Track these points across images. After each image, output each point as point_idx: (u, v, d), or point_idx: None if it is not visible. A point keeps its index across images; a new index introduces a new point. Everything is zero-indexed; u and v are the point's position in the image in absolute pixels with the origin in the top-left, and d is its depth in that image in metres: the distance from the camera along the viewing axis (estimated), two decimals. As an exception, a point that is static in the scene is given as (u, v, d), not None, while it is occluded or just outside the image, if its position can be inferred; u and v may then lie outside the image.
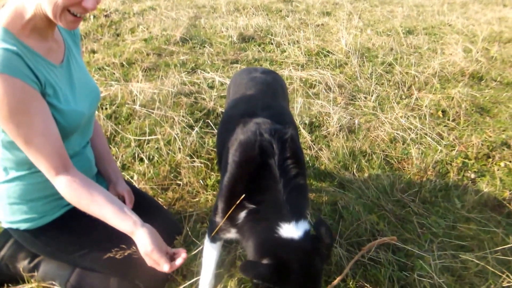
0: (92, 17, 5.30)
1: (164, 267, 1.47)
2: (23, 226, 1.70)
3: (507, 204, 2.58)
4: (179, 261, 1.50)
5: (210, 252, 1.79)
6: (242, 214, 1.54)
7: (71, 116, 1.57)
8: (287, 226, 1.42)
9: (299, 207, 1.51)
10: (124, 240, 1.65)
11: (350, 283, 1.97)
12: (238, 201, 1.51)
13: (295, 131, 1.92)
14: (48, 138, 1.45)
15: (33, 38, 1.46)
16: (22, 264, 1.87)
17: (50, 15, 1.38)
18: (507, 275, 2.01)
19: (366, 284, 1.98)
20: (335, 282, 1.91)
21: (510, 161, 2.99)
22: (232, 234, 1.66)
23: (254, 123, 1.70)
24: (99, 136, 2.03)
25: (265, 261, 1.39)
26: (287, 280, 1.35)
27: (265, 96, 2.07)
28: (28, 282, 1.85)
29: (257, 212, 1.51)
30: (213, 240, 1.75)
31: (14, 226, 1.71)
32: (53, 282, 1.83)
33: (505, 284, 2.00)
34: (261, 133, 1.61)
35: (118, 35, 5.02)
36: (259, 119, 1.73)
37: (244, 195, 1.50)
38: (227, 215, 1.56)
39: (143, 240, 1.48)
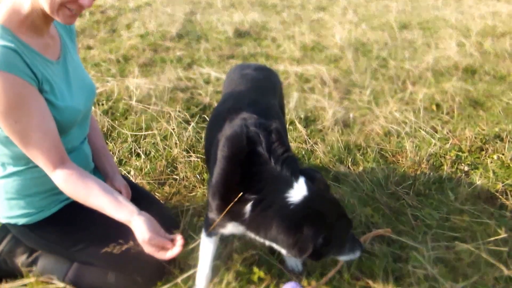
0: (88, 13, 5.29)
1: (162, 254, 1.48)
2: (21, 221, 1.71)
3: (500, 196, 2.61)
4: (176, 250, 1.49)
5: (207, 246, 1.81)
6: (247, 208, 1.53)
7: (67, 113, 1.58)
8: (293, 191, 1.49)
9: (293, 171, 1.54)
10: (121, 234, 1.67)
11: (345, 274, 1.99)
12: (236, 199, 1.50)
13: (282, 126, 1.94)
14: (46, 134, 1.47)
15: (29, 35, 1.47)
16: (20, 259, 1.88)
17: (48, 10, 1.39)
18: (499, 266, 2.05)
19: (360, 276, 2.01)
20: (331, 274, 1.93)
21: (503, 154, 3.03)
22: (230, 229, 1.67)
23: (240, 118, 1.71)
24: (95, 131, 2.04)
25: (303, 231, 1.44)
26: (326, 218, 1.48)
27: (254, 93, 2.07)
28: (27, 277, 1.86)
29: (262, 200, 1.51)
30: (210, 234, 1.77)
31: (12, 221, 1.72)
32: (51, 277, 1.84)
33: (497, 274, 2.03)
34: (247, 126, 1.62)
35: (114, 31, 5.02)
36: (245, 114, 1.74)
37: (241, 193, 1.50)
38: (224, 212, 1.56)
39: (140, 228, 1.49)
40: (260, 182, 1.52)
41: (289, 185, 1.49)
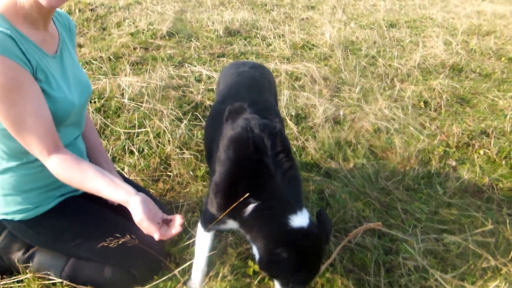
0: (77, 11, 5.25)
1: (155, 235, 1.46)
2: (17, 217, 1.71)
3: (487, 190, 2.69)
4: (175, 230, 1.49)
5: (203, 241, 1.84)
6: (248, 210, 1.59)
7: (61, 104, 1.57)
8: (295, 217, 1.54)
9: (298, 197, 1.63)
10: (118, 228, 1.69)
11: (338, 267, 2.03)
12: (241, 199, 1.56)
13: (281, 124, 2.00)
14: (41, 119, 1.46)
15: (27, 27, 1.48)
16: (17, 255, 1.88)
17: None
18: (486, 256, 2.11)
19: (353, 268, 2.05)
20: (324, 266, 1.97)
21: (489, 149, 3.11)
22: (229, 225, 1.72)
23: (243, 119, 1.75)
24: (91, 129, 2.04)
25: (280, 250, 1.49)
26: (305, 265, 1.51)
27: (253, 91, 2.11)
28: (23, 273, 1.85)
29: (264, 208, 1.58)
30: (207, 229, 1.81)
31: (9, 217, 1.72)
32: (48, 272, 1.84)
33: (484, 264, 2.10)
34: (252, 129, 1.66)
35: (104, 29, 4.99)
36: (247, 114, 1.78)
37: (247, 194, 1.56)
38: (227, 211, 1.61)
39: (135, 208, 1.47)
40: (265, 192, 1.59)
41: (293, 211, 1.56)
